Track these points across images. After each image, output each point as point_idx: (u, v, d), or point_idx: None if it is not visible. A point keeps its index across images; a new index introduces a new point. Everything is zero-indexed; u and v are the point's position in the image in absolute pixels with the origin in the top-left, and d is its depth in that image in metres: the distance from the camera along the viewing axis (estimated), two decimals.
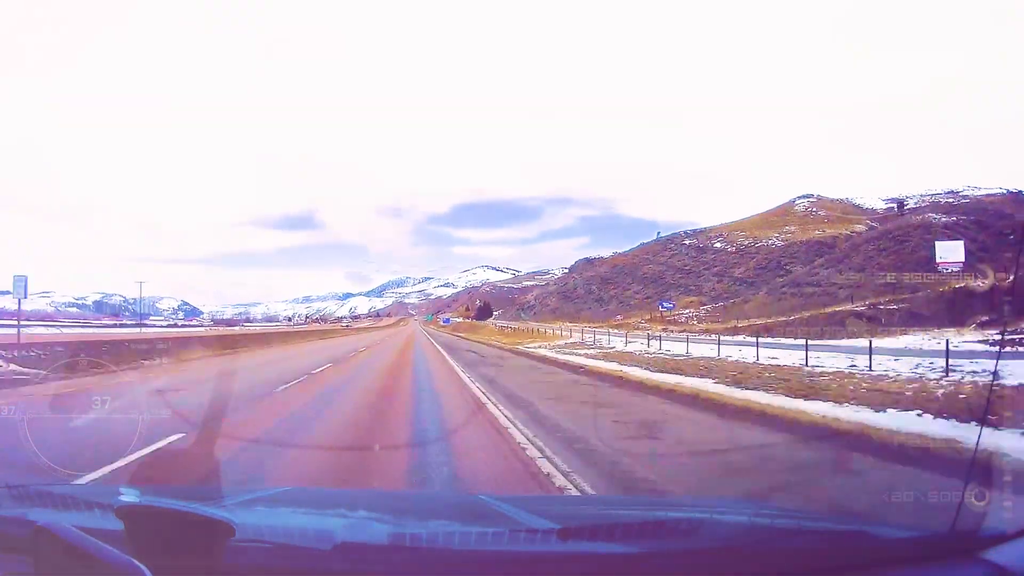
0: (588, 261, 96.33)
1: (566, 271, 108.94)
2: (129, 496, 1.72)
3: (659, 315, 50.87)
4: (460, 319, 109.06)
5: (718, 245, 72.53)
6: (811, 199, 79.42)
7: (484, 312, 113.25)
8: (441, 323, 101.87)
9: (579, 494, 3.79)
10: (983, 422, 4.07)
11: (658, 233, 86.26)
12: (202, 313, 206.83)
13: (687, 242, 76.90)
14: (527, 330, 49.21)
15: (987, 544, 1.34)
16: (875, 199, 74.58)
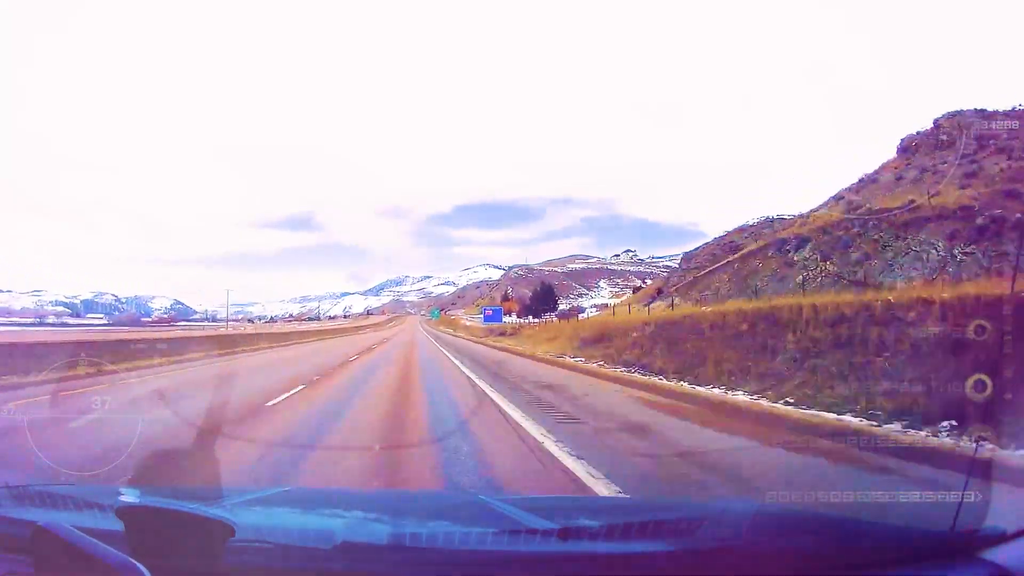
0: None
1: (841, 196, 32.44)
2: (129, 496, 1.72)
3: None
4: (511, 317, 57.60)
5: None
6: None
7: (545, 300, 63.07)
8: (483, 323, 53.66)
9: (579, 494, 3.78)
10: (984, 421, 4.06)
11: None
12: (196, 313, 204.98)
13: None
14: None
15: (987, 544, 1.34)
16: None
